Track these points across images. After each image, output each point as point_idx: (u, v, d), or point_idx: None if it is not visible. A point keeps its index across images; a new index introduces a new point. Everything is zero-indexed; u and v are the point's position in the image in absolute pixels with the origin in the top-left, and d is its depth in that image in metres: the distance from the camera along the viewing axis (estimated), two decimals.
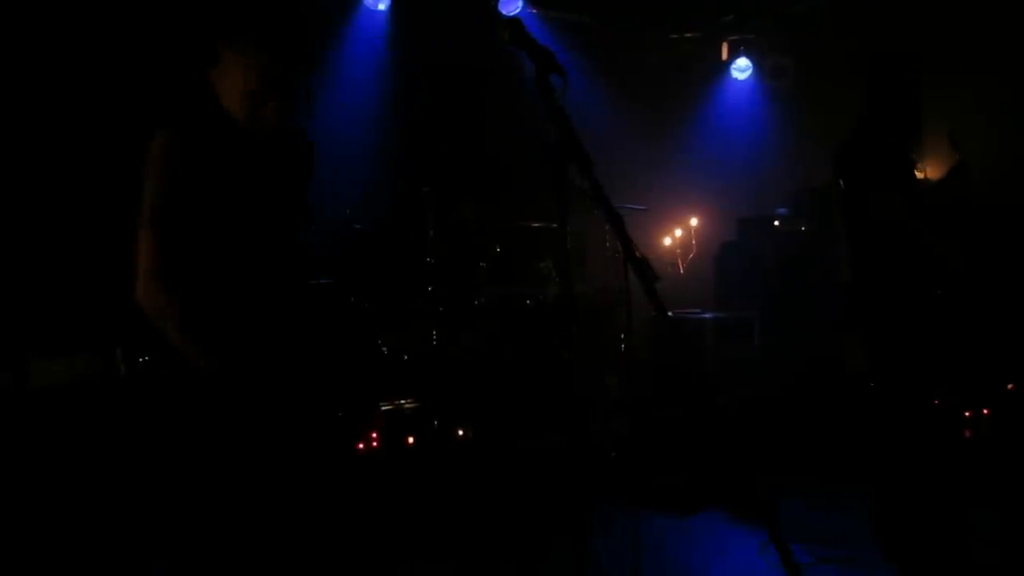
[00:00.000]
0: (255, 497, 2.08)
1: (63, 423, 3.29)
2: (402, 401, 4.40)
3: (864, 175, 3.20)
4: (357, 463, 4.08)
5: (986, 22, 5.75)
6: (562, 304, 4.92)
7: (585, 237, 5.64)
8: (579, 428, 4.20)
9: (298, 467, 2.20)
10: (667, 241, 7.11)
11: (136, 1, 4.44)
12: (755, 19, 7.22)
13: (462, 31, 5.93)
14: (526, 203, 5.31)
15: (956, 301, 3.39)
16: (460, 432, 4.39)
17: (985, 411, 4.45)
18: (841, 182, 3.29)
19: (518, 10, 6.21)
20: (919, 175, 3.55)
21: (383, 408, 4.31)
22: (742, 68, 7.39)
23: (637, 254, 1.87)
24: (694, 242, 6.97)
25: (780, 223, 6.24)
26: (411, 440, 4.24)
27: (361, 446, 4.10)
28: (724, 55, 7.50)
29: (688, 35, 7.51)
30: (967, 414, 4.43)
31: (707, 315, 5.83)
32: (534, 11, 6.54)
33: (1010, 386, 4.51)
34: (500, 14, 6.12)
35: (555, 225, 5.05)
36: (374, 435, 4.14)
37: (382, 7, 5.91)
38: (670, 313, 5.94)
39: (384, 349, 4.55)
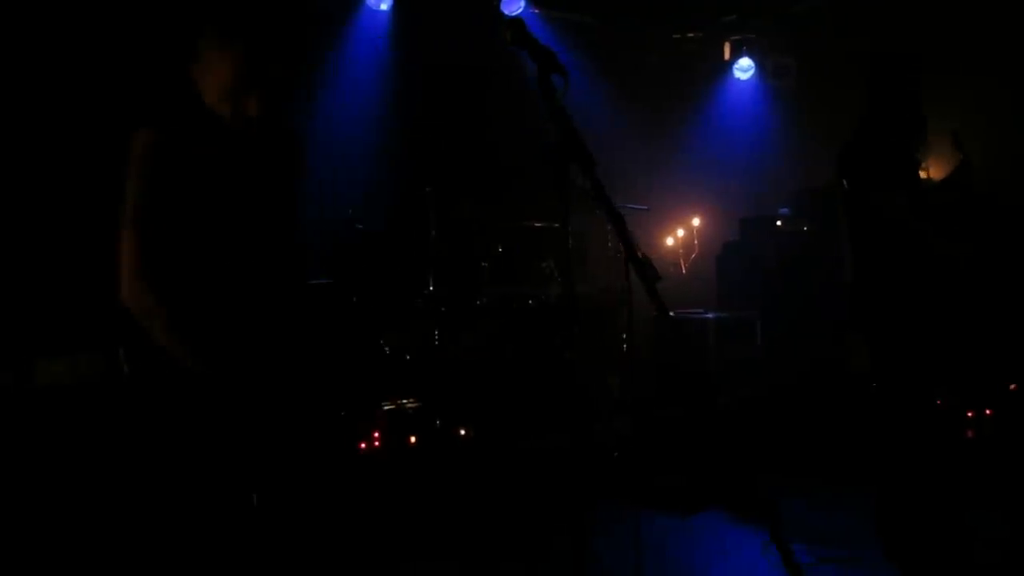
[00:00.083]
0: (253, 498, 2.06)
1: (66, 423, 3.29)
2: (404, 401, 4.41)
3: (868, 175, 3.19)
4: (359, 463, 4.08)
5: (986, 22, 5.75)
6: (564, 304, 4.92)
7: (587, 237, 5.64)
8: (581, 428, 4.20)
9: (291, 468, 2.18)
10: (669, 241, 7.11)
11: None
12: (757, 19, 7.22)
13: (464, 31, 5.93)
14: (528, 203, 5.31)
15: (959, 301, 3.38)
16: (462, 432, 4.39)
17: (987, 411, 4.45)
18: (844, 182, 3.29)
19: (520, 10, 6.21)
20: (922, 175, 3.54)
21: (385, 408, 4.31)
22: (744, 68, 7.38)
23: (639, 254, 1.87)
24: (696, 242, 6.98)
25: (782, 223, 6.24)
26: (413, 440, 4.25)
27: (363, 446, 4.10)
28: (726, 55, 7.49)
29: (690, 35, 7.51)
30: (969, 414, 4.43)
31: (709, 315, 5.83)
32: (536, 11, 6.55)
33: (1012, 386, 4.50)
34: (502, 14, 6.13)
35: (557, 225, 5.07)
36: (376, 435, 4.14)
37: (384, 7, 5.91)
38: (672, 313, 5.95)
39: (386, 349, 4.56)
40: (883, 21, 6.12)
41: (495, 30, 2.70)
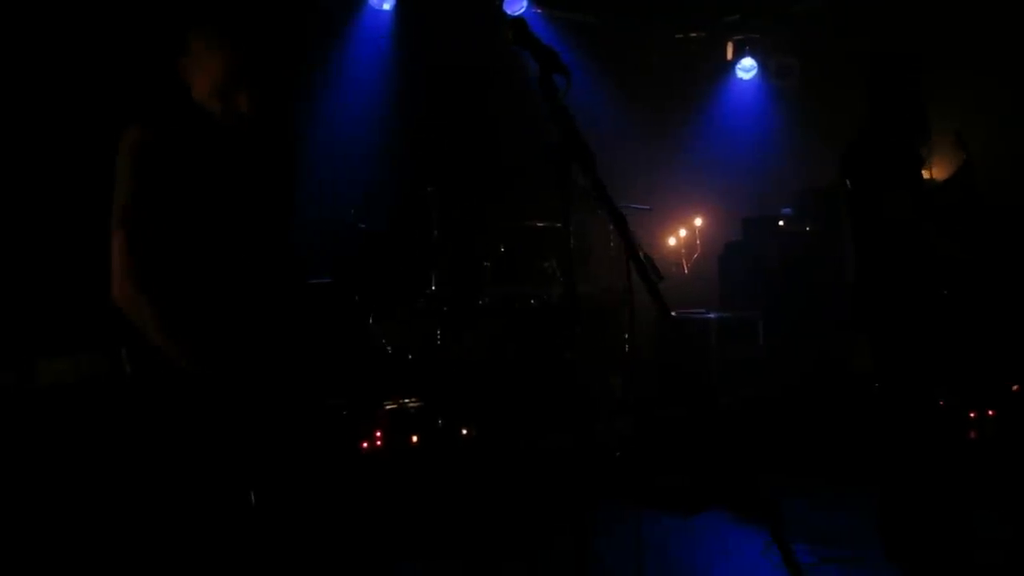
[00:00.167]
0: (252, 498, 2.05)
1: (69, 422, 3.30)
2: (406, 400, 4.41)
3: (872, 175, 3.19)
4: (361, 462, 4.08)
5: (987, 22, 5.74)
6: (566, 304, 4.91)
7: (589, 237, 5.64)
8: (583, 428, 4.20)
9: (288, 466, 2.17)
10: (671, 241, 7.10)
11: None
12: (759, 19, 7.21)
13: (466, 31, 5.93)
14: (530, 203, 5.31)
15: (961, 301, 3.38)
16: (464, 431, 4.39)
17: (990, 412, 4.44)
18: (848, 182, 3.29)
19: (522, 10, 6.21)
20: (925, 175, 3.54)
21: (387, 407, 4.31)
22: (747, 68, 7.37)
23: (641, 254, 1.87)
24: (698, 242, 6.96)
25: (784, 223, 6.24)
26: (415, 439, 4.25)
27: (365, 445, 4.10)
28: (729, 55, 7.47)
29: (693, 35, 7.50)
30: (972, 415, 4.42)
31: (711, 315, 5.82)
32: (538, 11, 6.54)
33: (1015, 387, 4.50)
34: (504, 14, 6.13)
35: (559, 225, 5.06)
36: (378, 434, 4.14)
37: (386, 7, 5.91)
38: (674, 313, 5.94)
39: (388, 348, 4.56)
40: (884, 21, 6.11)
41: (497, 30, 2.69)
